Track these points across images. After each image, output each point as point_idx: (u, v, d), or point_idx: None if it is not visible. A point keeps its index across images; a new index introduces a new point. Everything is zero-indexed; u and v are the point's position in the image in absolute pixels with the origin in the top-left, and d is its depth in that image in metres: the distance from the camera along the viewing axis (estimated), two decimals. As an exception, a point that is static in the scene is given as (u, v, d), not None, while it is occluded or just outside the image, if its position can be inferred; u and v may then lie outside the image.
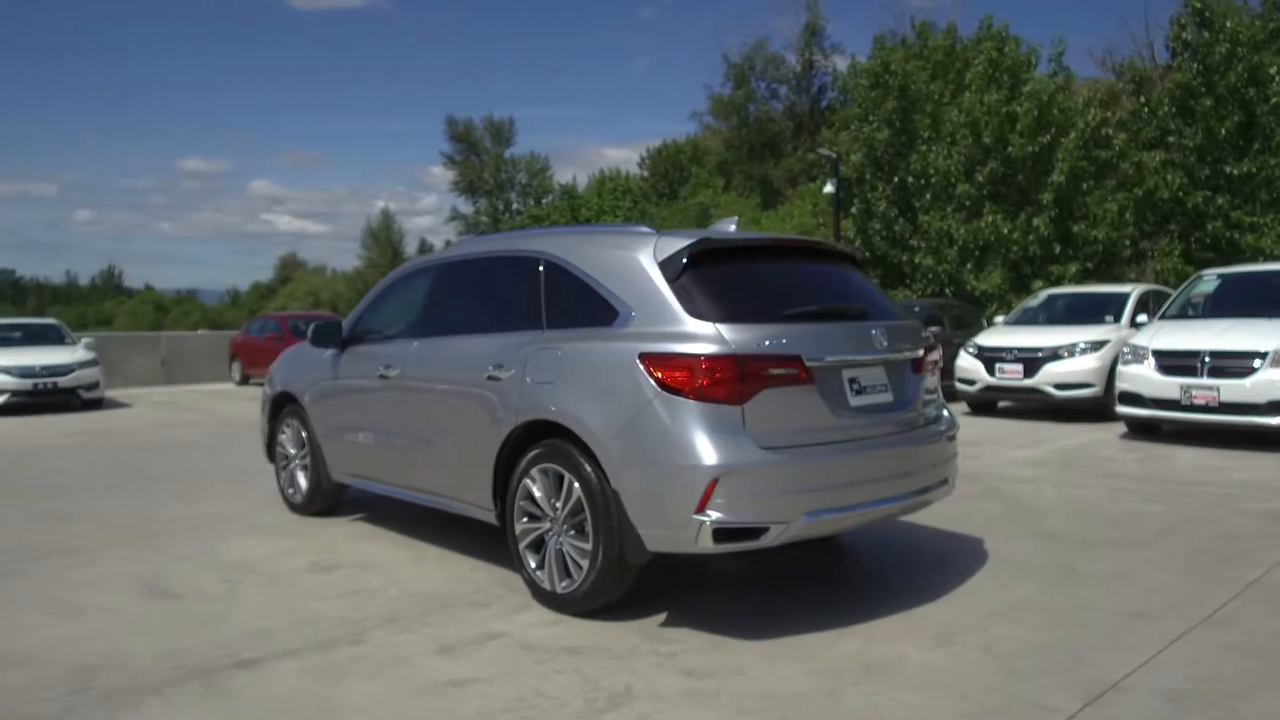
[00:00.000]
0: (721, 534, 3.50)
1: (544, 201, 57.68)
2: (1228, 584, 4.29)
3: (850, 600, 4.16)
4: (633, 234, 4.10)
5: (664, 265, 3.83)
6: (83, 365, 13.40)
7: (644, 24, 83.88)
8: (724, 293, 3.80)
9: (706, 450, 3.50)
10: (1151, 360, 8.53)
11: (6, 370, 12.82)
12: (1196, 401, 8.13)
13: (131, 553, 5.16)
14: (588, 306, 4.04)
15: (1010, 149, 18.91)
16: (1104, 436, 9.17)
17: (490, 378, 4.31)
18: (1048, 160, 18.79)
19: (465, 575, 4.62)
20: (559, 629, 3.84)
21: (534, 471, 4.07)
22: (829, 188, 20.30)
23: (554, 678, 3.33)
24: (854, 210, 21.00)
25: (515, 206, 61.59)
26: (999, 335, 11.24)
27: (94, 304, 72.67)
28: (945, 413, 4.55)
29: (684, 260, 3.83)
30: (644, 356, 3.65)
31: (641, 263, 3.89)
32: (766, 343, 3.64)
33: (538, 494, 4.06)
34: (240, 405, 14.15)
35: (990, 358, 10.83)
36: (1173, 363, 8.36)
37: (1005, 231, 18.71)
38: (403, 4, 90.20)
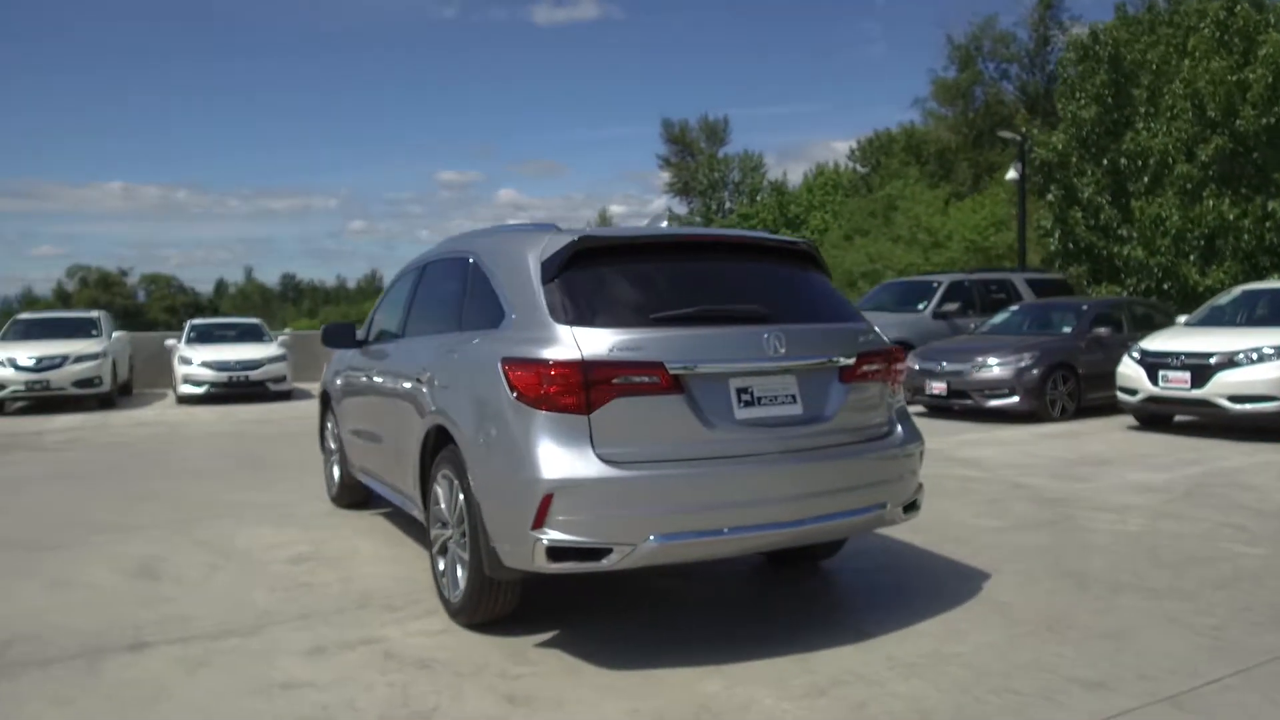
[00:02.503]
0: (557, 553, 3.27)
1: (756, 199, 57.22)
2: (1242, 656, 3.44)
3: (771, 634, 3.75)
4: (531, 233, 3.92)
5: (545, 265, 3.64)
6: (272, 360, 14.93)
7: (872, 13, 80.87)
8: (593, 294, 3.54)
9: (545, 463, 3.28)
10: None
11: (207, 364, 14.57)
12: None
13: (161, 534, 5.65)
14: (487, 308, 3.93)
15: (1240, 122, 16.34)
16: (1272, 460, 7.69)
17: (418, 380, 4.31)
18: (1289, 134, 16.06)
19: (416, 576, 4.65)
20: (438, 639, 3.76)
21: (439, 476, 4.02)
22: (1012, 173, 18.53)
23: (379, 689, 3.27)
24: (1050, 197, 19.03)
25: (728, 205, 61.65)
26: (1169, 338, 9.75)
27: (357, 304, 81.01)
28: (900, 428, 3.99)
29: (563, 260, 3.61)
30: (504, 361, 3.48)
31: (528, 262, 3.72)
32: (621, 349, 3.35)
33: (442, 500, 4.01)
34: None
35: (1154, 364, 9.41)
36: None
37: (1232, 218, 16.20)
38: (635, 11, 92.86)
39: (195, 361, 14.69)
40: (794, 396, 3.63)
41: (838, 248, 31.07)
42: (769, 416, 3.56)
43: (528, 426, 3.35)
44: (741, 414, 3.51)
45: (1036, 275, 15.07)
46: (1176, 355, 9.26)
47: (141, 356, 16.92)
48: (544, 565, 3.30)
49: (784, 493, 3.50)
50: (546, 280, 3.59)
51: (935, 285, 13.88)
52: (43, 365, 13.25)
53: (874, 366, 3.87)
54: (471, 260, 4.23)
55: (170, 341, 16.08)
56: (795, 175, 60.41)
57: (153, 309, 69.78)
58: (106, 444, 10.22)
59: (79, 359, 13.53)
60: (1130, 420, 10.10)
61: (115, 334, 15.22)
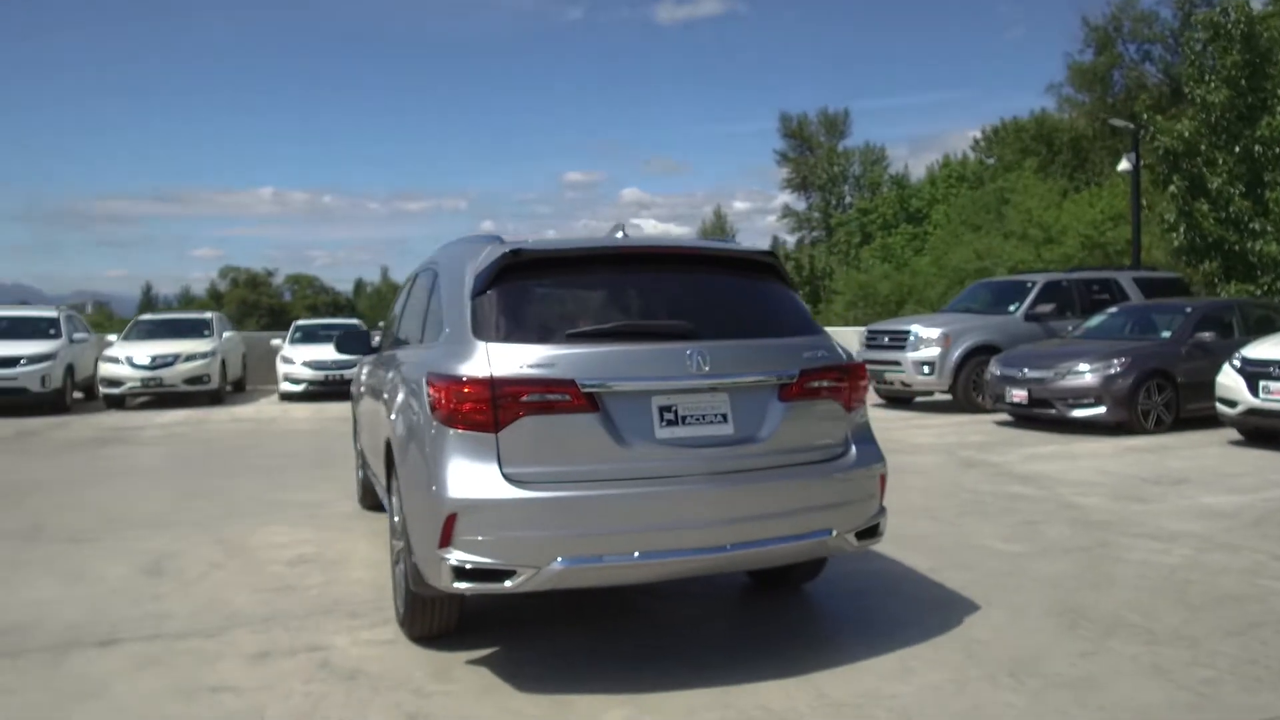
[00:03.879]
0: (462, 573, 3.23)
1: (876, 193, 55.55)
2: (1221, 716, 3.06)
3: (708, 663, 3.60)
4: (475, 245, 3.88)
5: (476, 279, 3.60)
6: (367, 359, 15.57)
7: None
8: (515, 309, 3.48)
9: (451, 482, 3.25)
10: None
11: (307, 364, 15.35)
12: None
13: (188, 531, 5.95)
14: (435, 322, 3.93)
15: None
16: (1379, 484, 6.85)
17: (384, 393, 4.38)
18: None
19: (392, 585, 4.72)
20: (379, 650, 3.79)
21: (394, 489, 4.06)
22: (1124, 164, 17.21)
23: (294, 699, 3.32)
24: (1172, 189, 17.60)
25: (848, 200, 60.14)
26: (1276, 344, 8.85)
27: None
28: (855, 449, 3.75)
29: (492, 273, 3.57)
30: (427, 377, 3.48)
31: (464, 275, 3.70)
32: (532, 366, 3.28)
33: (395, 513, 4.05)
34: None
35: (1254, 373, 8.56)
36: None
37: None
38: (757, 4, 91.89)
39: (296, 361, 15.49)
40: (724, 416, 3.46)
41: (947, 243, 29.80)
42: (694, 436, 3.41)
43: (440, 444, 3.33)
44: (663, 434, 3.37)
45: (1146, 274, 13.97)
46: (1278, 363, 8.40)
47: (255, 355, 17.96)
48: (450, 585, 3.27)
49: (706, 517, 3.34)
50: (475, 294, 3.56)
51: (1029, 285, 13.09)
52: (157, 363, 14.25)
53: (822, 383, 3.65)
54: (435, 272, 4.26)
55: (276, 341, 17.02)
56: (926, 168, 57.93)
57: (296, 307, 73.94)
58: (195, 439, 10.89)
59: (189, 358, 14.49)
60: (1233, 435, 9.22)
61: (226, 334, 16.20)
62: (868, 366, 12.69)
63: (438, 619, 3.73)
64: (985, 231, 27.73)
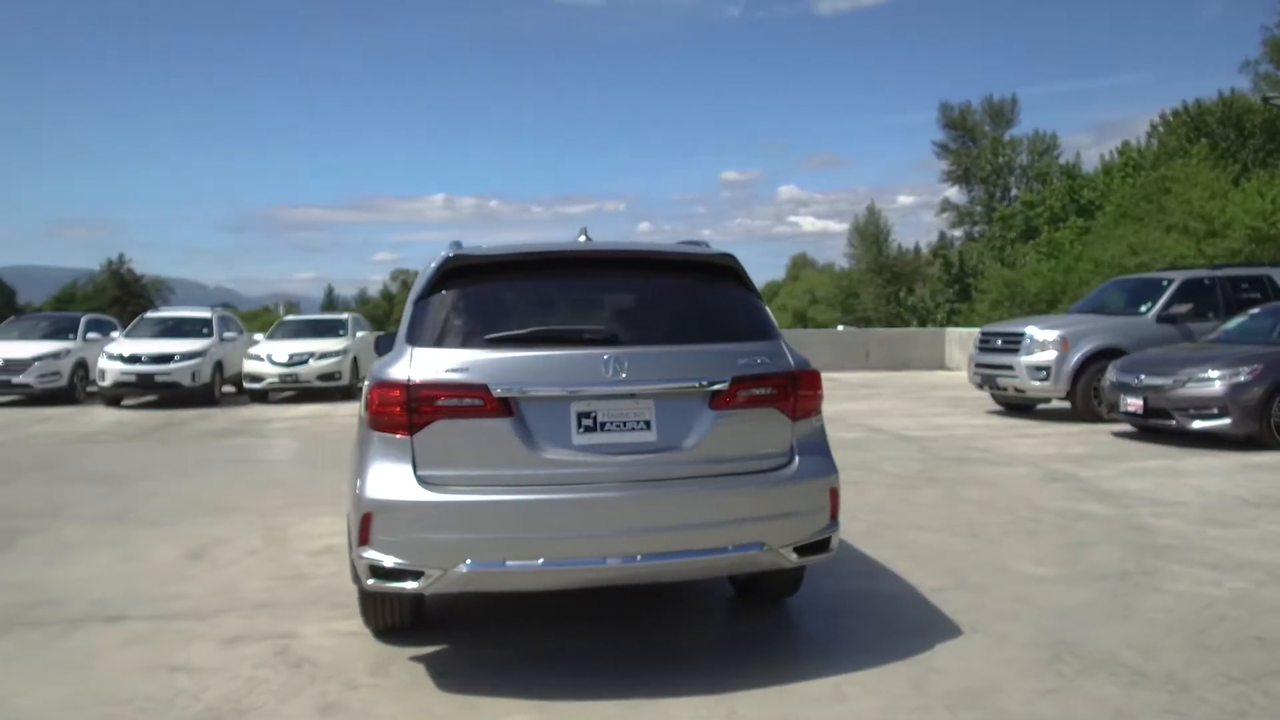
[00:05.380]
0: (379, 572, 3.33)
1: (1044, 184, 52.18)
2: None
3: (636, 675, 3.55)
4: (441, 251, 3.97)
5: (422, 284, 3.71)
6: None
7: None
8: (445, 315, 3.55)
9: (370, 483, 3.36)
10: None
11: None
12: None
13: (247, 519, 6.40)
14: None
15: None
16: None
17: None
18: None
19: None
20: (338, 641, 3.96)
21: None
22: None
23: (236, 683, 3.52)
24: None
25: (1013, 192, 56.84)
26: None
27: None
28: (798, 460, 3.57)
29: (434, 279, 3.66)
30: (370, 380, 3.60)
31: (418, 281, 3.81)
32: (447, 370, 3.34)
33: None
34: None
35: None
36: None
37: None
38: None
39: None
40: (648, 423, 3.40)
41: (1102, 237, 27.52)
42: (613, 443, 3.36)
43: (365, 445, 3.45)
44: (580, 440, 3.35)
45: (1310, 270, 12.43)
46: None
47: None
48: (368, 583, 3.38)
49: (617, 526, 3.29)
50: (416, 300, 3.67)
51: (1164, 284, 11.95)
52: (293, 361, 15.38)
53: (759, 391, 3.51)
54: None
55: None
56: (1100, 157, 53.93)
57: (459, 307, 77.78)
58: (312, 432, 11.67)
59: (322, 356, 15.54)
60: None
61: (360, 334, 17.25)
62: (979, 370, 12.19)
63: (388, 615, 3.85)
64: (1145, 224, 25.43)
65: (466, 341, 3.45)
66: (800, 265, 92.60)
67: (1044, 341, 11.47)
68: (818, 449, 3.66)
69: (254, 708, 3.31)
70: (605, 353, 3.39)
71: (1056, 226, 44.73)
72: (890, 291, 57.94)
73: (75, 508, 6.85)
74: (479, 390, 3.31)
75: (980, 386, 12.58)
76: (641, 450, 3.38)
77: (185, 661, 3.76)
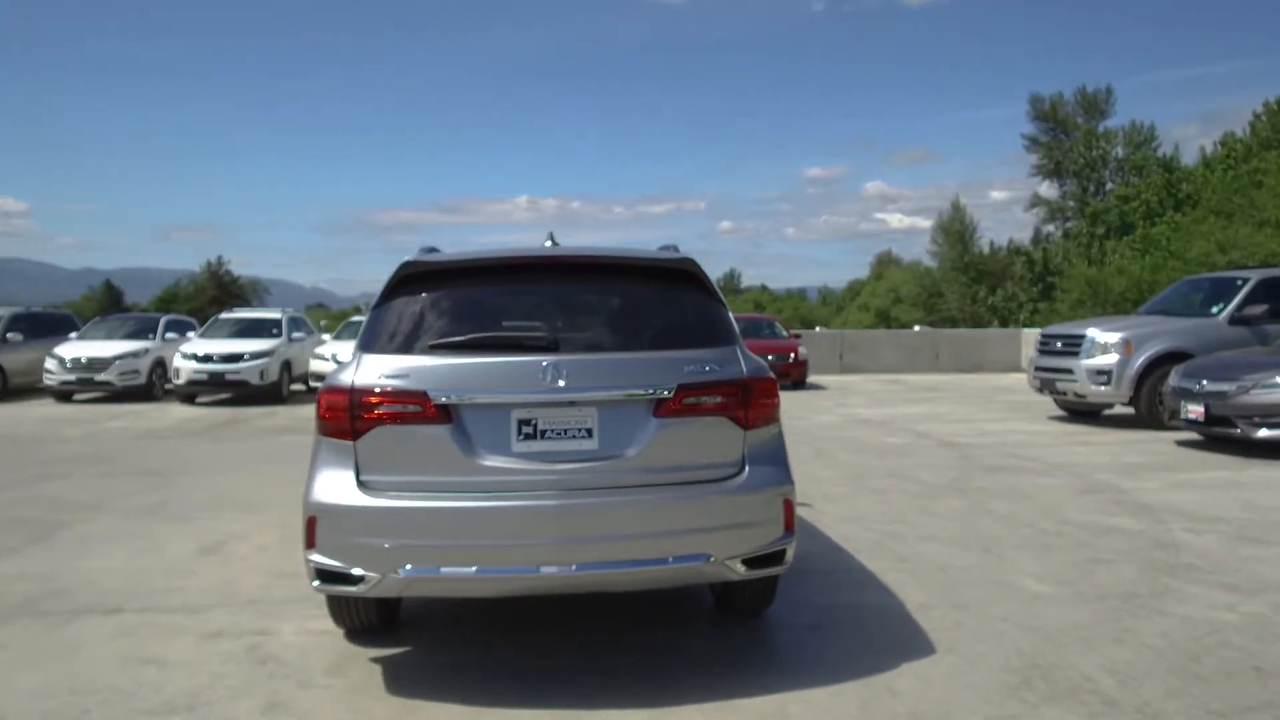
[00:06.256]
0: (323, 575, 3.39)
1: (1138, 178, 49.84)
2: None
3: (578, 687, 3.52)
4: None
5: (381, 292, 3.76)
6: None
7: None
8: (396, 321, 3.60)
9: (315, 487, 3.42)
10: None
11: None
12: None
13: (272, 515, 6.58)
14: None
15: None
16: None
17: None
18: None
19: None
20: (312, 640, 4.04)
21: None
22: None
23: (198, 678, 3.62)
24: None
25: (1108, 186, 54.45)
26: None
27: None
28: (749, 469, 3.48)
29: (392, 285, 3.71)
30: (322, 386, 3.67)
31: (381, 290, 3.86)
32: (388, 377, 3.37)
33: None
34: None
35: None
36: None
37: None
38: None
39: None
40: (589, 431, 3.37)
41: (1190, 233, 25.99)
42: (553, 451, 3.34)
43: (315, 450, 3.51)
44: (519, 447, 3.34)
45: None
46: None
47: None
48: (314, 585, 3.44)
49: (553, 534, 3.27)
50: (375, 306, 3.72)
51: (1240, 283, 11.27)
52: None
53: (706, 399, 3.44)
54: None
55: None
56: (1199, 149, 50.99)
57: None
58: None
59: None
60: None
61: None
62: (1038, 374, 11.72)
63: (352, 616, 3.91)
64: (1235, 219, 23.95)
65: (412, 348, 3.48)
66: (885, 263, 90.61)
67: (1106, 344, 10.96)
68: (772, 459, 3.57)
69: (206, 703, 3.40)
70: (545, 359, 3.38)
71: (1153, 222, 42.73)
72: (975, 291, 56.23)
73: (117, 501, 7.19)
74: (418, 397, 3.34)
75: (1040, 391, 12.10)
76: (582, 458, 3.35)
77: (162, 655, 3.89)
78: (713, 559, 3.38)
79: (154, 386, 16.15)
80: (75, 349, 15.87)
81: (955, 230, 59.60)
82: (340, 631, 4.09)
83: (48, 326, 17.64)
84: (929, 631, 4.04)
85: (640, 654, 3.85)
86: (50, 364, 15.58)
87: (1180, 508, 6.46)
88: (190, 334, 17.37)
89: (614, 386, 3.40)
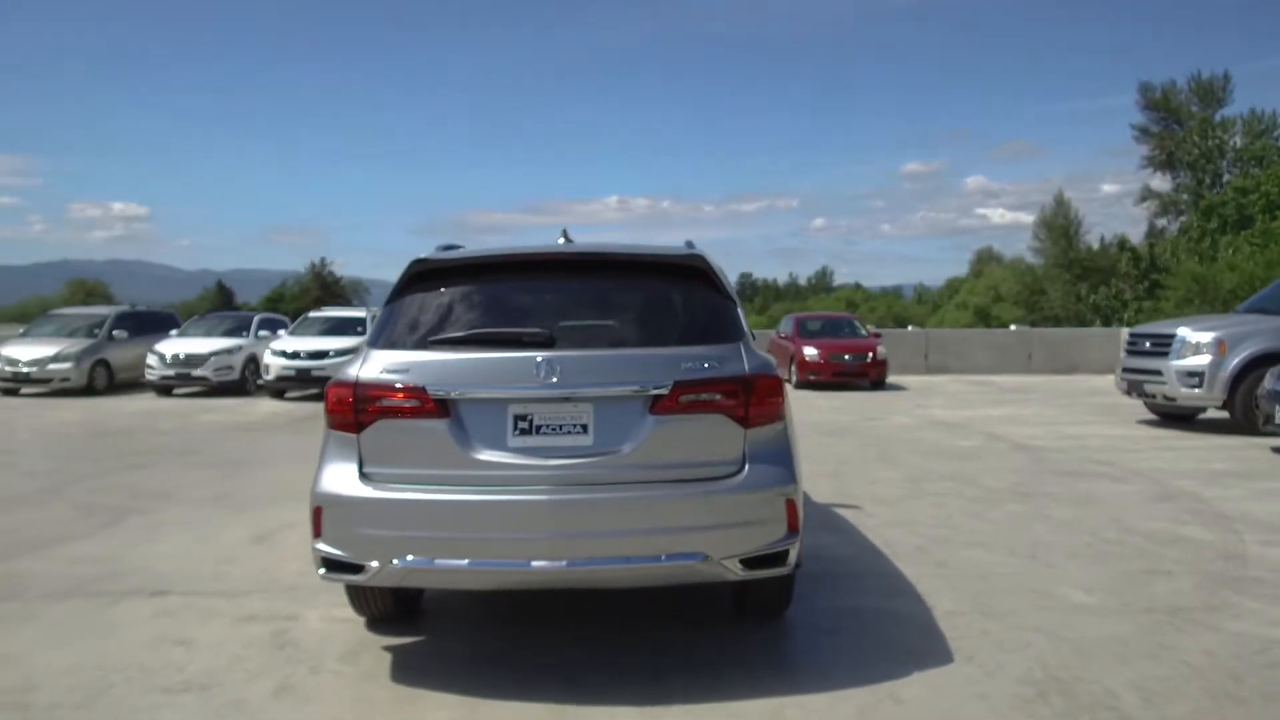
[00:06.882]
0: (329, 564, 3.47)
1: (1257, 169, 46.84)
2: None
3: (583, 680, 3.52)
4: None
5: (393, 290, 3.84)
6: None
7: None
8: (403, 317, 3.67)
9: (322, 478, 3.51)
10: None
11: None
12: None
13: (324, 506, 6.82)
14: None
15: None
16: None
17: None
18: None
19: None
20: (333, 627, 4.16)
21: None
22: None
23: (217, 659, 3.77)
24: None
25: (1225, 178, 51.33)
26: None
27: (803, 300, 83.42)
28: (749, 468, 3.40)
29: (403, 282, 3.78)
30: (330, 380, 3.75)
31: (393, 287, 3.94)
32: (390, 371, 3.43)
33: None
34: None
35: None
36: None
37: None
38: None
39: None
40: (584, 427, 3.35)
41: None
42: (547, 446, 3.34)
43: (324, 442, 3.60)
44: (515, 442, 3.35)
45: None
46: None
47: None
48: (320, 574, 3.52)
49: (545, 529, 3.26)
50: (386, 303, 3.80)
51: (1351, 279, 10.46)
52: None
53: (705, 396, 3.38)
54: None
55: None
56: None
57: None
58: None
59: None
60: None
61: None
62: (1126, 375, 11.14)
63: (367, 605, 4.01)
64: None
65: (415, 344, 3.54)
66: (985, 260, 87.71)
67: (1198, 344, 10.35)
68: (775, 457, 3.48)
69: (220, 684, 3.53)
70: (540, 355, 3.38)
71: (1273, 216, 40.16)
72: (1079, 289, 53.84)
73: (188, 490, 7.54)
74: (417, 391, 3.39)
75: (1128, 393, 11.50)
76: (577, 454, 3.34)
77: (193, 636, 4.06)
78: (709, 558, 3.32)
79: (246, 382, 16.90)
80: (174, 346, 16.75)
81: (1059, 225, 57.16)
82: (360, 620, 4.19)
83: (151, 324, 18.65)
84: (951, 639, 3.88)
85: (646, 653, 3.82)
86: (151, 360, 16.48)
87: (1261, 518, 6.04)
88: (281, 332, 18.10)
89: (609, 383, 3.38)
